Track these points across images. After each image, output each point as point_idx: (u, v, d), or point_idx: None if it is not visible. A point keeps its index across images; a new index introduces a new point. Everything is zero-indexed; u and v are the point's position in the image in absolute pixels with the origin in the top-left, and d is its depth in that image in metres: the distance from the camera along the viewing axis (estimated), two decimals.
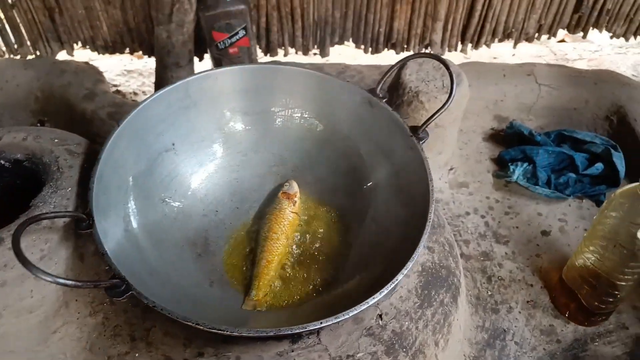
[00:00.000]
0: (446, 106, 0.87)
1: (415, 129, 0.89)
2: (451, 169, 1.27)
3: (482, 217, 1.20)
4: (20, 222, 0.67)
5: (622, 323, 1.02)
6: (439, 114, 0.88)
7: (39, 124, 1.38)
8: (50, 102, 1.38)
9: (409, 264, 0.73)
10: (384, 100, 0.94)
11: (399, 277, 0.72)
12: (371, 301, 0.70)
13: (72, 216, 0.76)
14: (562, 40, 2.13)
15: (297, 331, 0.68)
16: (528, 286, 1.07)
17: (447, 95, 1.07)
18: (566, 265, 1.01)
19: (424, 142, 0.89)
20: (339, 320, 0.68)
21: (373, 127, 0.95)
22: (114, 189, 0.83)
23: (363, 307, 0.69)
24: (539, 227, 1.18)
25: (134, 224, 0.85)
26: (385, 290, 0.71)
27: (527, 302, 1.05)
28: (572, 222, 1.19)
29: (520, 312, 1.03)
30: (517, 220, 1.19)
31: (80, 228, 0.74)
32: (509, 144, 1.34)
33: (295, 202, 0.97)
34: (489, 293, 1.05)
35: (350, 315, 0.69)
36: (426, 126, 0.89)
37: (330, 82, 0.97)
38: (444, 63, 0.92)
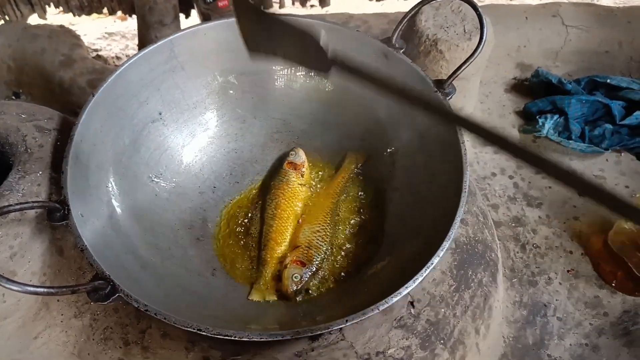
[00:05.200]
0: (477, 53, 0.74)
1: (440, 83, 0.77)
2: None
3: (511, 177, 1.08)
4: None
5: None
6: (469, 63, 0.75)
7: (13, 97, 1.25)
8: (24, 71, 1.24)
9: (445, 243, 0.62)
10: (401, 51, 0.81)
11: (435, 260, 0.61)
12: (404, 291, 0.59)
13: (43, 206, 0.63)
14: None
15: (320, 332, 0.57)
16: (567, 253, 0.96)
17: (469, 43, 0.95)
18: (612, 229, 0.90)
19: (451, 97, 0.77)
20: (367, 316, 0.57)
21: None
22: (93, 170, 0.71)
23: (395, 299, 0.59)
24: None
25: (120, 209, 0.73)
26: (420, 277, 0.60)
27: (568, 271, 0.94)
28: (612, 178, 1.07)
29: (560, 284, 0.92)
30: (550, 179, 1.07)
31: (54, 219, 0.62)
32: (535, 94, 1.21)
33: (304, 172, 0.85)
34: (525, 263, 0.94)
35: (381, 309, 0.58)
36: (453, 79, 0.76)
37: (339, 32, 0.83)
38: (471, 3, 0.78)
